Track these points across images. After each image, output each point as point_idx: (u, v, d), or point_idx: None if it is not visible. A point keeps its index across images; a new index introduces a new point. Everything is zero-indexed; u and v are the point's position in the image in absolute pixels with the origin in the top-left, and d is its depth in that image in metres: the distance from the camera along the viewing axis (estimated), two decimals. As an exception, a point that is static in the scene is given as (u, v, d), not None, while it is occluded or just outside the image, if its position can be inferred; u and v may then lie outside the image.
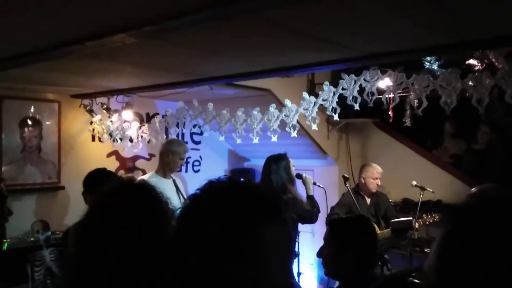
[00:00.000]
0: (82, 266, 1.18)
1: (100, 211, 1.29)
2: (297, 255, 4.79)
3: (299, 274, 4.91)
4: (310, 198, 4.21)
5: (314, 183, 4.37)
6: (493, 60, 4.48)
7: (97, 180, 3.28)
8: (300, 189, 4.40)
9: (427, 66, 4.38)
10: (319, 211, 4.17)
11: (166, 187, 4.30)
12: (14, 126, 4.68)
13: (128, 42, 2.36)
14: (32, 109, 4.81)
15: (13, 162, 4.67)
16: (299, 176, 4.31)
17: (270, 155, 4.27)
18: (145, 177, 4.41)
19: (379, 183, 4.75)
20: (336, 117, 3.63)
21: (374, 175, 4.72)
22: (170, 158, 4.36)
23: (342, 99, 3.56)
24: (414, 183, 4.60)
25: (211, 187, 0.90)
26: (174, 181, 4.43)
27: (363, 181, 4.76)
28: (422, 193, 4.51)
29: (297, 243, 4.92)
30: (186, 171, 6.02)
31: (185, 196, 4.46)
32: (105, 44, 2.42)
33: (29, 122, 4.78)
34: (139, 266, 1.13)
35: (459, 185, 5.03)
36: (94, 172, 3.52)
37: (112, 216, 1.25)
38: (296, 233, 4.26)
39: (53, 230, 4.53)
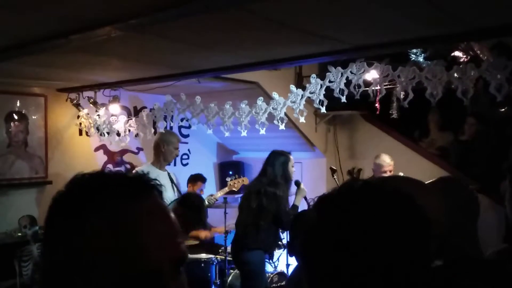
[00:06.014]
0: None
1: None
2: (285, 246, 4.82)
3: (287, 265, 4.94)
4: (294, 207, 4.22)
5: (305, 198, 4.32)
6: (478, 52, 4.52)
7: None
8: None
9: (413, 59, 4.41)
10: None
11: (160, 178, 4.29)
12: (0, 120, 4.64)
13: (113, 35, 2.35)
14: (18, 104, 4.76)
15: (-1, 157, 4.63)
16: (297, 183, 4.30)
17: (275, 149, 4.26)
18: (142, 167, 4.40)
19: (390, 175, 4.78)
20: (323, 110, 3.65)
21: (383, 168, 4.75)
22: (165, 148, 4.37)
23: (329, 92, 3.58)
24: (401, 174, 4.64)
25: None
26: (169, 174, 4.44)
27: (373, 172, 4.83)
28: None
29: (283, 234, 4.95)
30: (175, 164, 6.01)
31: (179, 189, 4.48)
32: (90, 37, 2.41)
33: (15, 117, 4.74)
34: None
35: (445, 176, 5.08)
36: None
37: None
38: (278, 229, 4.26)
39: (41, 225, 4.51)
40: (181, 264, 0.71)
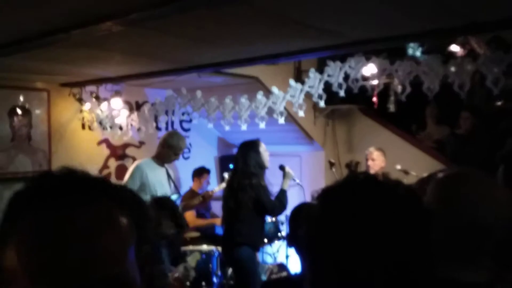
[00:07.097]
0: None
1: None
2: (284, 238, 4.89)
3: (287, 256, 5.02)
4: (282, 192, 4.10)
5: (294, 179, 4.30)
6: (475, 46, 4.55)
7: None
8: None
9: (410, 53, 4.44)
10: (284, 207, 4.06)
11: (158, 173, 4.39)
12: (3, 115, 4.69)
13: (114, 31, 2.40)
14: (21, 98, 4.82)
15: (3, 151, 4.69)
16: (282, 168, 4.24)
17: (244, 140, 4.17)
18: (141, 160, 4.47)
19: (370, 163, 4.90)
20: (322, 104, 3.70)
21: (366, 157, 4.97)
22: (165, 150, 4.41)
23: (328, 86, 3.63)
24: (398, 167, 4.71)
25: None
26: (167, 169, 4.51)
27: (375, 160, 4.98)
28: (406, 176, 4.62)
29: (283, 226, 5.01)
30: (176, 158, 6.07)
31: (176, 184, 4.53)
32: (92, 32, 2.45)
33: (19, 111, 4.80)
34: None
35: (442, 169, 5.12)
36: None
37: None
38: (261, 221, 4.17)
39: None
40: (118, 281, 0.63)
